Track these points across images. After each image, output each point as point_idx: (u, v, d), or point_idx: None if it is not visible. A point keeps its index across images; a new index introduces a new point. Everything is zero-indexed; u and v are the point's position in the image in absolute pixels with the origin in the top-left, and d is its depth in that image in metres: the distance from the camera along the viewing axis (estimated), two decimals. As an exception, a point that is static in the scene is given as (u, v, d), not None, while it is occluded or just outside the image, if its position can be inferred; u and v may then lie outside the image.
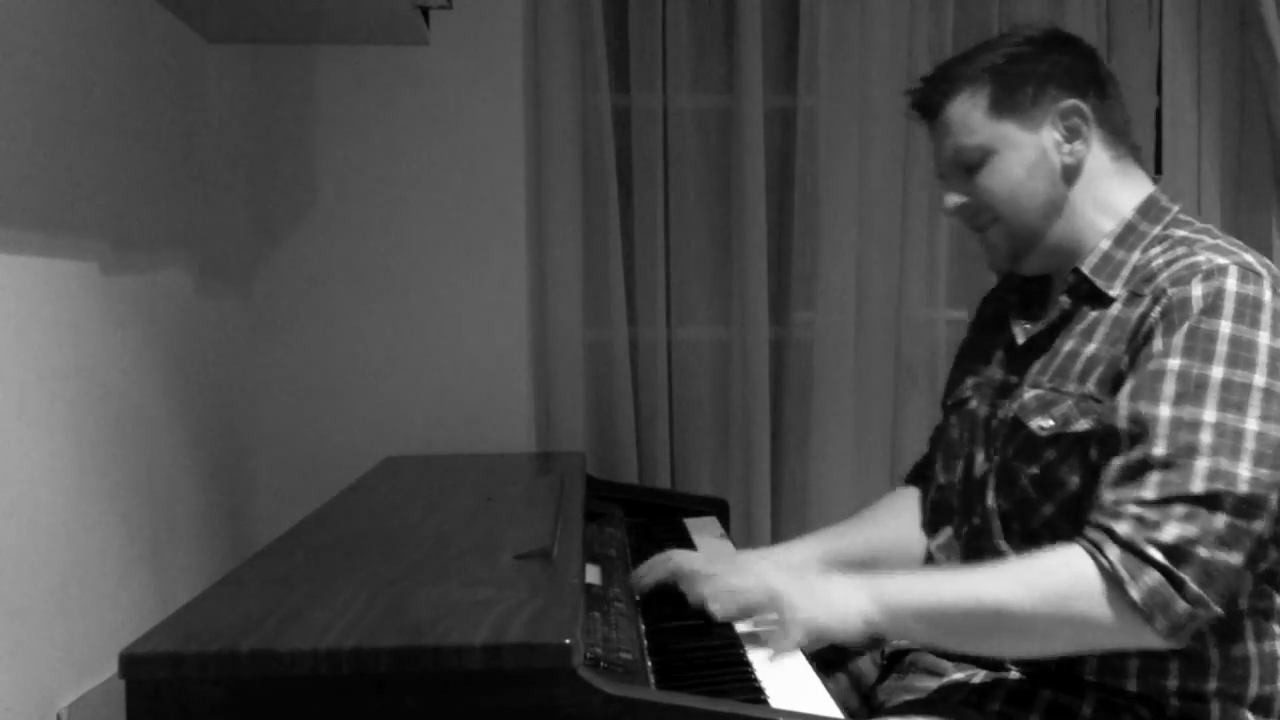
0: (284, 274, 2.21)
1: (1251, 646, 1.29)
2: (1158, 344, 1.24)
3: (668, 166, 2.42)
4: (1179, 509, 1.17)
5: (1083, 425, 1.30)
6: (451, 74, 2.21)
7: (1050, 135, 1.38)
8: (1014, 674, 1.36)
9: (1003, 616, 1.23)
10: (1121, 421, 1.23)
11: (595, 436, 2.43)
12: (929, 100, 1.44)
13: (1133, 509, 1.18)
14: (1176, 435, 1.19)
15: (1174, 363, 1.22)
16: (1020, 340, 1.43)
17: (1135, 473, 1.20)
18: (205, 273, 1.91)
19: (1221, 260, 1.27)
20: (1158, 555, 1.16)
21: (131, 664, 1.00)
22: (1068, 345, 1.37)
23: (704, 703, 1.05)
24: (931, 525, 1.53)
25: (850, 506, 2.37)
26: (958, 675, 1.40)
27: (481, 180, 2.23)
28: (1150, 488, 1.18)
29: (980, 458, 1.45)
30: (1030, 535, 1.34)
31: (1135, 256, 1.36)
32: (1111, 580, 1.17)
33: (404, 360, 2.24)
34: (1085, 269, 1.37)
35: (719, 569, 1.43)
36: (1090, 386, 1.30)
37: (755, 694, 1.15)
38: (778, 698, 1.14)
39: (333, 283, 2.22)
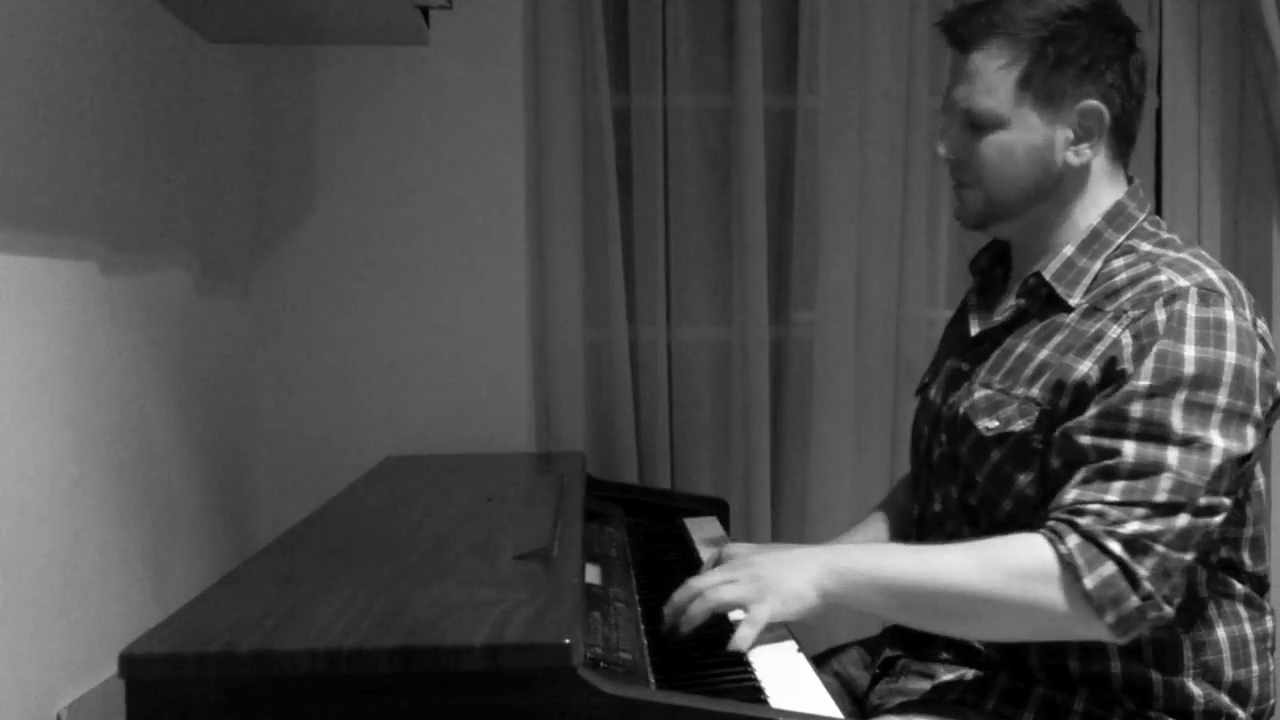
0: (284, 274, 2.21)
1: (1221, 632, 1.32)
2: (1128, 367, 1.26)
3: (668, 166, 2.42)
4: (1141, 510, 1.20)
5: (1020, 425, 1.32)
6: (451, 74, 2.21)
7: (1064, 133, 1.37)
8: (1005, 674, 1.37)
9: (957, 595, 1.25)
10: (1086, 437, 1.24)
11: (595, 436, 2.42)
12: (968, 33, 1.38)
13: (1095, 506, 1.21)
14: (1145, 451, 1.21)
15: (1143, 384, 1.24)
16: (974, 331, 1.46)
17: (1101, 478, 1.22)
18: (205, 273, 1.91)
19: (1182, 282, 1.28)
20: (1116, 548, 1.19)
21: (131, 664, 1.00)
22: (1021, 346, 1.38)
23: (704, 703, 1.05)
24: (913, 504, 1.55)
25: (850, 506, 2.37)
26: (948, 676, 1.40)
27: (481, 180, 2.23)
28: (1115, 491, 1.21)
29: (936, 446, 1.47)
30: (996, 527, 1.35)
31: (1097, 265, 1.37)
32: (1067, 568, 1.20)
33: (404, 360, 2.24)
34: (1046, 274, 1.38)
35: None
36: (1035, 391, 1.33)
37: (755, 694, 1.15)
38: (777, 698, 1.14)
39: (333, 283, 2.22)
